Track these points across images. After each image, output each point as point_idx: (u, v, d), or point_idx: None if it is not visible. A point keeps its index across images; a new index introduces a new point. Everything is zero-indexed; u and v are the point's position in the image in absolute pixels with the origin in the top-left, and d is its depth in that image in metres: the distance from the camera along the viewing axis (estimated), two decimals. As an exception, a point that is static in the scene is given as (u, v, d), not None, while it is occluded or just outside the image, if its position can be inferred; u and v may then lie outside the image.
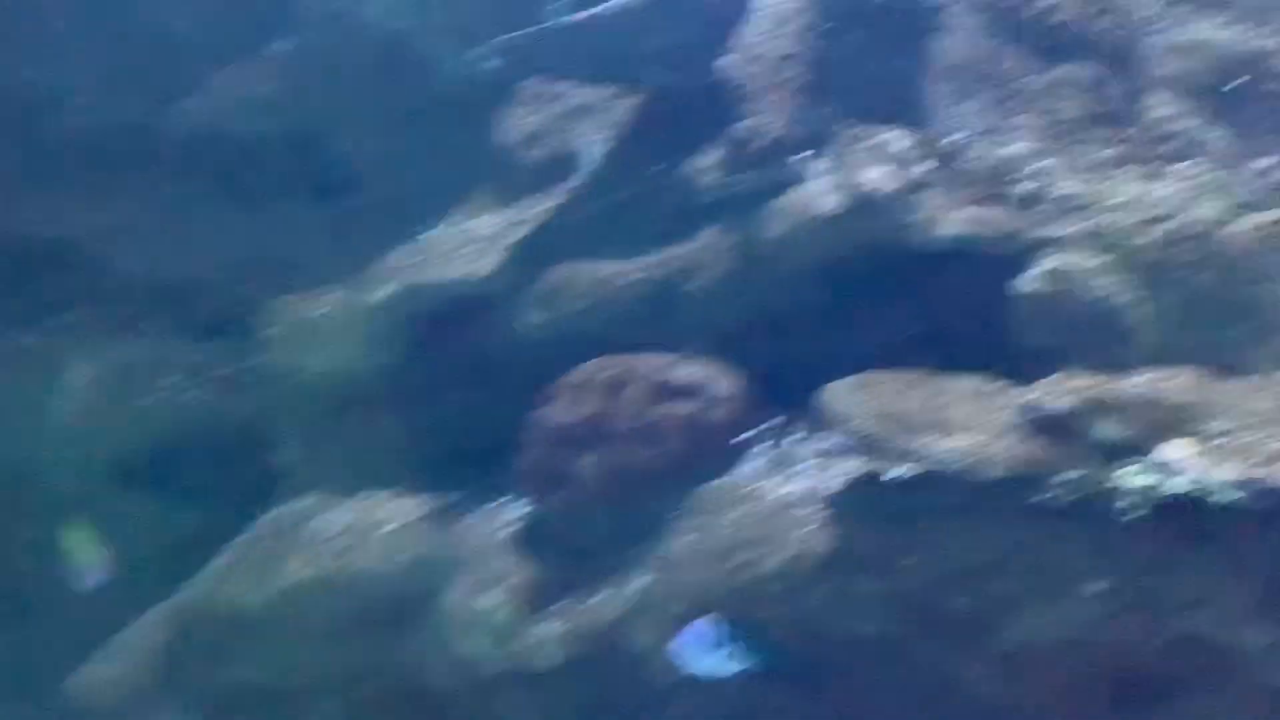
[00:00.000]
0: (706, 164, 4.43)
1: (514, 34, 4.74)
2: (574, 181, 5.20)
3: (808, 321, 4.07)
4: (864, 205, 3.87)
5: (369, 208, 5.74)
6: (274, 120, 5.81)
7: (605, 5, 4.58)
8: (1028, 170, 3.98)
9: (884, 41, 4.64)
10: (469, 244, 5.34)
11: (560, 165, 5.33)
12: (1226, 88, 4.17)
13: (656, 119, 5.01)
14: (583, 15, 4.63)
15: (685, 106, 4.90)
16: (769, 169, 4.18)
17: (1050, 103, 4.33)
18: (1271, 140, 4.11)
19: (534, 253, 4.86)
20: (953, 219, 3.80)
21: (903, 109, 4.47)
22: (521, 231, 5.08)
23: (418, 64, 5.89)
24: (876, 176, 3.82)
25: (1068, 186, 3.98)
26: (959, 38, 4.53)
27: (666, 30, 4.77)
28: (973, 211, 3.80)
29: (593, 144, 5.22)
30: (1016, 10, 4.49)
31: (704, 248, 4.30)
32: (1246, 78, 4.16)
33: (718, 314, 4.23)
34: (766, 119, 4.25)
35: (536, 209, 5.25)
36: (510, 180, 5.51)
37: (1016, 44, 4.49)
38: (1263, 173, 3.97)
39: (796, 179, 4.17)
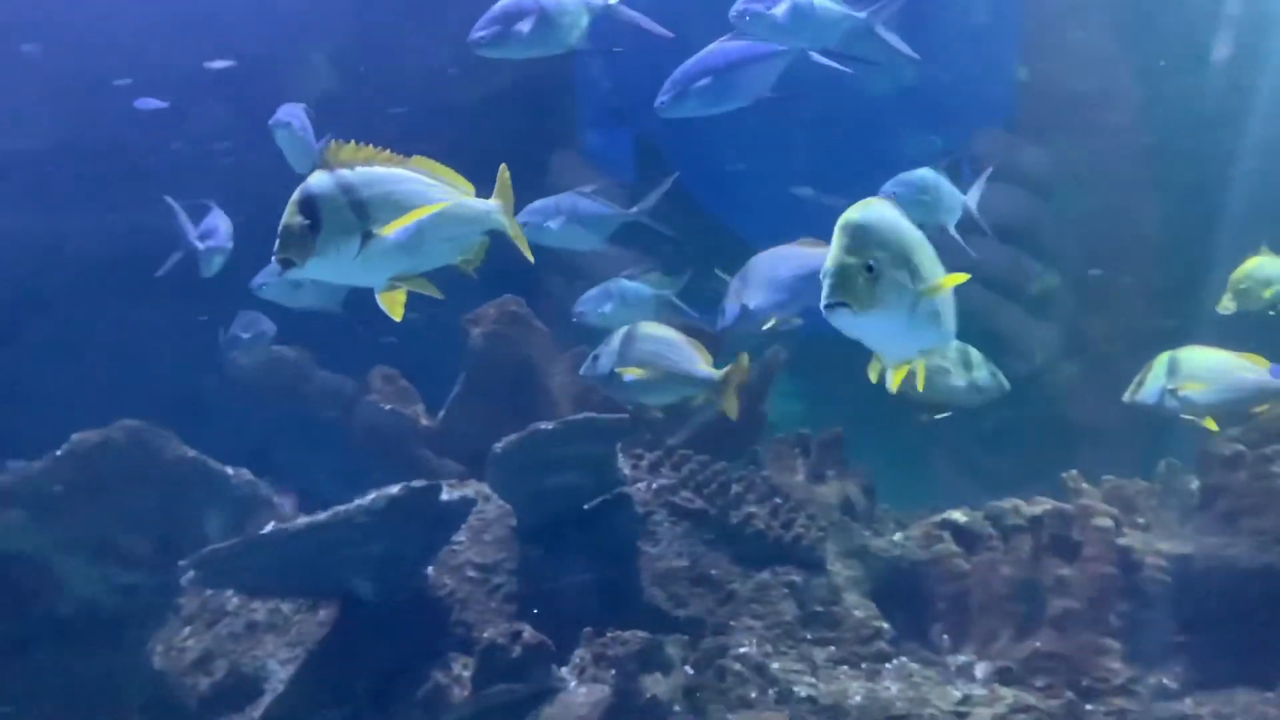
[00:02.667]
0: (448, 678, 4.08)
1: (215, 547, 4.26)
2: (256, 711, 4.57)
3: None
4: (635, 713, 3.71)
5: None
6: None
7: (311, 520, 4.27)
8: (772, 674, 4.06)
9: (587, 550, 4.70)
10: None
11: (236, 690, 4.69)
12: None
13: (357, 634, 4.61)
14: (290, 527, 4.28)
15: (393, 618, 4.58)
16: (527, 677, 3.93)
17: (762, 606, 4.53)
18: (954, 635, 4.52)
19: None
20: (731, 724, 3.74)
21: (619, 616, 4.47)
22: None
23: None
24: (649, 682, 3.70)
25: (806, 689, 4.08)
26: (664, 545, 4.69)
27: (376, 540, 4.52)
28: (747, 714, 3.77)
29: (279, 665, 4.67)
30: (717, 520, 4.76)
31: (459, 774, 3.87)
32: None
33: None
34: (500, 628, 4.05)
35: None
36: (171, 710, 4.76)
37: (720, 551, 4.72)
38: (961, 668, 4.32)
39: (558, 687, 3.95)
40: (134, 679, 4.92)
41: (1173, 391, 4.28)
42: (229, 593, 4.95)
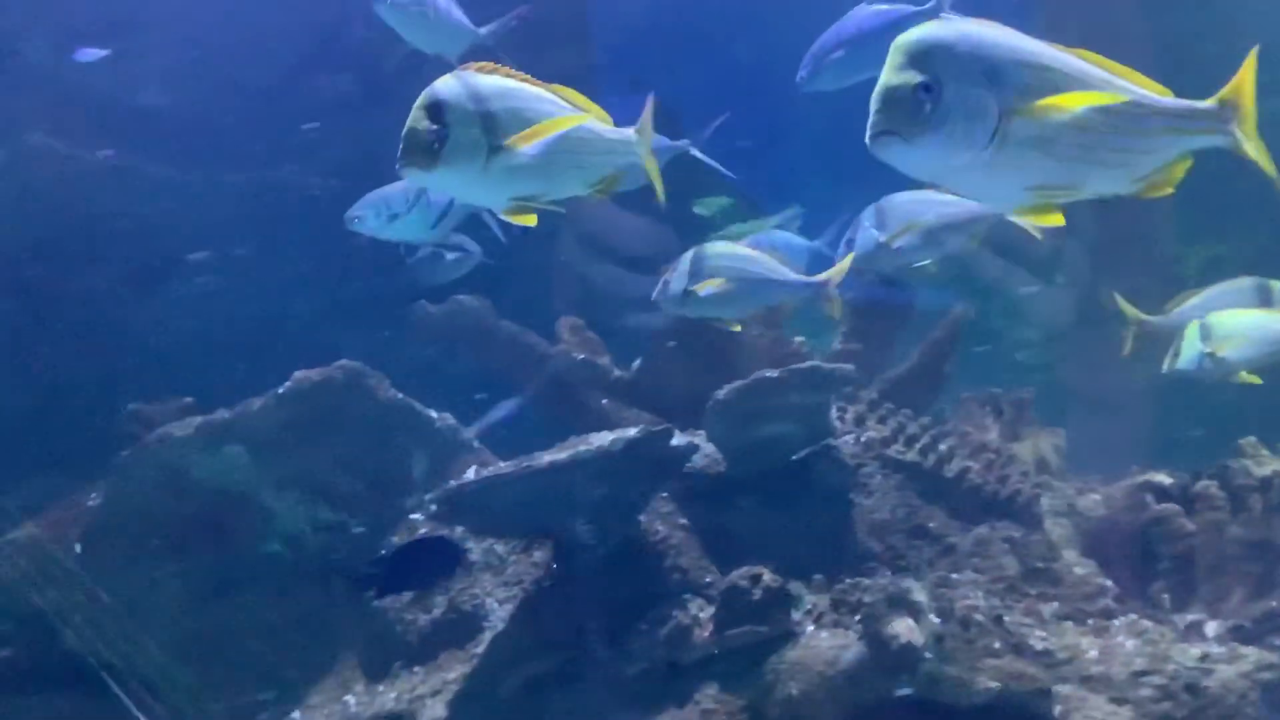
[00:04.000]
0: (688, 618, 4.08)
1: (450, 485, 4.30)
2: (478, 647, 4.61)
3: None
4: (890, 658, 3.67)
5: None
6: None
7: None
8: (1007, 623, 4.00)
9: (798, 501, 4.67)
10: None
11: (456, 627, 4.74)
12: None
13: (574, 576, 4.63)
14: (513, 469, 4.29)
15: (608, 561, 4.59)
16: (768, 620, 3.91)
17: (983, 560, 4.47)
18: (1182, 594, 4.43)
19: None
20: (982, 671, 3.69)
21: (834, 566, 4.44)
22: (436, 711, 4.36)
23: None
24: (898, 628, 3.67)
25: (1040, 642, 4.02)
26: (878, 498, 4.64)
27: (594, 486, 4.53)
28: (995, 664, 3.72)
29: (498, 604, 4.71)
30: (930, 474, 4.70)
31: (705, 712, 3.86)
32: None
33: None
34: (740, 571, 4.04)
35: (433, 680, 4.57)
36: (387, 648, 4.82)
37: (934, 505, 4.66)
38: (1191, 625, 4.23)
39: (797, 632, 3.93)
40: (350, 616, 4.99)
41: (1210, 355, 4.20)
42: (447, 530, 5.00)
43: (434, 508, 4.34)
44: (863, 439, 4.73)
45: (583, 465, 4.19)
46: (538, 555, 4.76)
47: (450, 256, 5.50)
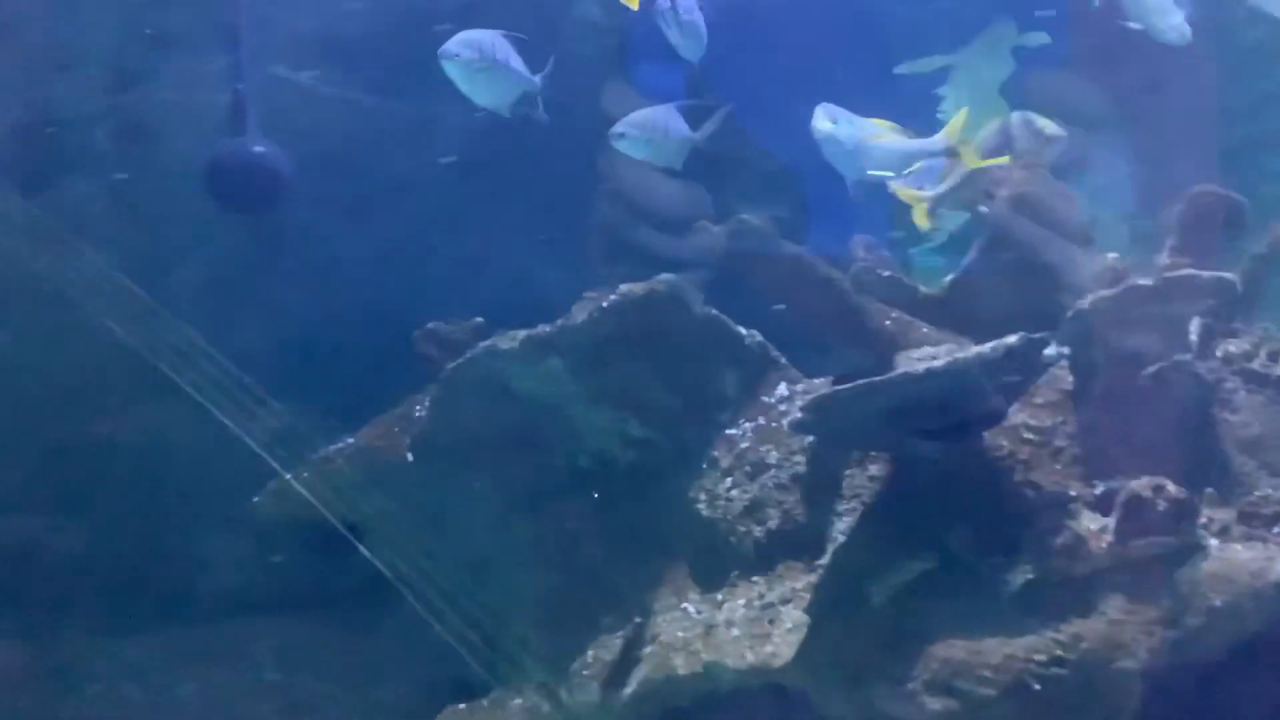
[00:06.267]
0: (1077, 529, 3.91)
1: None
2: (820, 559, 4.50)
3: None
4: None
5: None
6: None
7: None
8: None
9: (1155, 417, 4.46)
10: (715, 628, 4.43)
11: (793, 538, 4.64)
12: None
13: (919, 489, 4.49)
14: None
15: (952, 475, 4.43)
16: (1176, 531, 3.73)
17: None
18: None
19: (851, 634, 4.06)
20: None
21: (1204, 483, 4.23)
22: (796, 617, 4.26)
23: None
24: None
25: None
26: (1246, 414, 4.42)
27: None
28: None
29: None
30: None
31: (1112, 622, 3.70)
32: None
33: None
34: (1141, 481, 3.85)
35: (780, 589, 4.48)
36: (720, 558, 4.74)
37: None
38: None
39: (1204, 545, 3.74)
40: (678, 528, 4.91)
41: None
42: (767, 447, 4.89)
43: (799, 415, 4.21)
44: (1221, 353, 4.49)
45: (957, 374, 4.02)
46: (873, 469, 4.62)
47: None
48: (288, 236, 6.40)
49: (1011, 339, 4.03)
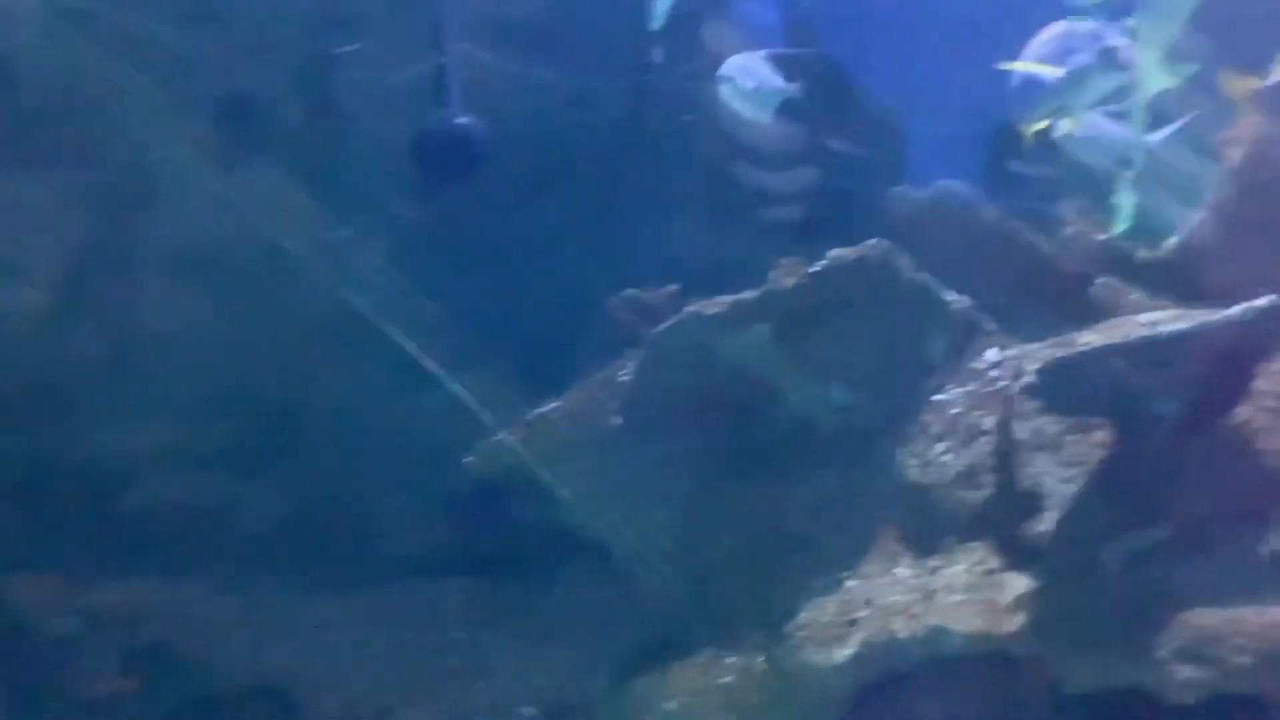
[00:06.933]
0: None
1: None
2: (1041, 525, 4.41)
3: None
4: None
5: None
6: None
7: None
8: None
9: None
10: (935, 593, 4.39)
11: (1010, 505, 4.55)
12: None
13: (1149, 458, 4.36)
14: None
15: (1182, 443, 4.29)
16: None
17: None
18: None
19: (1086, 602, 3.98)
20: None
21: None
22: (1019, 584, 4.19)
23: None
24: None
25: None
26: None
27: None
28: None
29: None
30: None
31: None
32: None
33: None
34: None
35: (1001, 556, 4.40)
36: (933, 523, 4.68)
37: None
38: None
39: None
40: (887, 493, 4.87)
41: None
42: (980, 412, 4.81)
43: (1032, 378, 4.13)
44: None
45: (1198, 336, 3.90)
46: (1099, 435, 4.50)
47: None
48: (475, 208, 6.53)
49: (1261, 301, 3.88)
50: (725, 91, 5.10)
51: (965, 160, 6.32)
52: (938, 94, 6.55)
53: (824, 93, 6.04)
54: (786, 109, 5.24)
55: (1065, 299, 5.38)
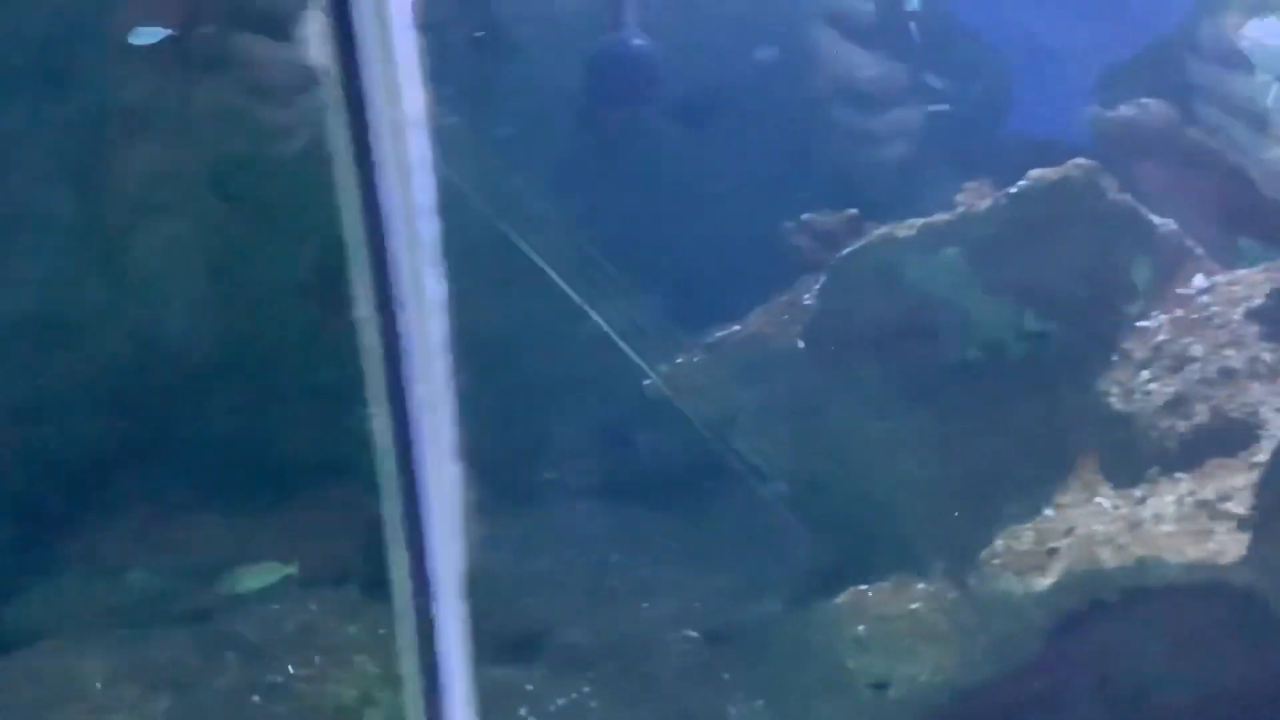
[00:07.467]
0: None
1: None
2: (1256, 456, 4.20)
3: None
4: None
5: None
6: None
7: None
8: None
9: None
10: (1142, 523, 4.23)
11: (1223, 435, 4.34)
12: None
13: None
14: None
15: None
16: None
17: None
18: None
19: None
20: None
21: None
22: (1239, 509, 4.00)
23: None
24: None
25: None
26: None
27: None
28: None
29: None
30: None
31: None
32: None
33: None
34: None
35: (1214, 487, 4.21)
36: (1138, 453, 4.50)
37: None
38: None
39: None
40: (1084, 422, 4.69)
41: None
42: (1189, 339, 4.59)
43: (1262, 302, 3.91)
44: None
45: None
46: (1322, 363, 4.25)
47: None
48: (649, 132, 6.49)
49: None
50: None
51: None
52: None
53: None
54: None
55: (1272, 225, 5.10)
